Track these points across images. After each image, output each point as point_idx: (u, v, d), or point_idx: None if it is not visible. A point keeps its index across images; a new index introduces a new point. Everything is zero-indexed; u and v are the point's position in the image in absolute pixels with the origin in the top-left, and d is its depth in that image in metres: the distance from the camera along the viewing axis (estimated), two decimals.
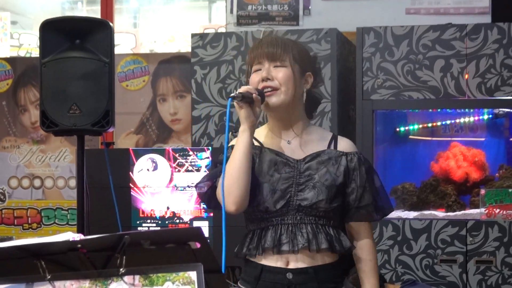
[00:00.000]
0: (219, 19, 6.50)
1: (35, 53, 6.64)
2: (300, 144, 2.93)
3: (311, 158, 2.89)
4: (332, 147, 2.93)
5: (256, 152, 2.89)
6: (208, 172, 2.93)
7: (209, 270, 2.11)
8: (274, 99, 2.84)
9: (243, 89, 2.79)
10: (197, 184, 2.97)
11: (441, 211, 4.84)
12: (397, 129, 5.17)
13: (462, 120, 5.11)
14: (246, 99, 2.77)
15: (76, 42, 4.09)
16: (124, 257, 2.07)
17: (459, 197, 4.91)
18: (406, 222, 4.70)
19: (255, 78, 2.89)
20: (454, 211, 4.80)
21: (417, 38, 4.78)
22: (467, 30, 4.72)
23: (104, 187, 4.45)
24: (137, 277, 2.07)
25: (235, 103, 2.78)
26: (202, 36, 5.04)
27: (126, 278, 2.07)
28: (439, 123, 5.14)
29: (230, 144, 2.94)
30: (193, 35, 5.08)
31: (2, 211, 6.31)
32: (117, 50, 4.16)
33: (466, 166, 4.94)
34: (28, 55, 6.73)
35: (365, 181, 2.90)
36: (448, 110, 4.97)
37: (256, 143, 2.93)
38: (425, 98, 4.76)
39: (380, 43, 4.80)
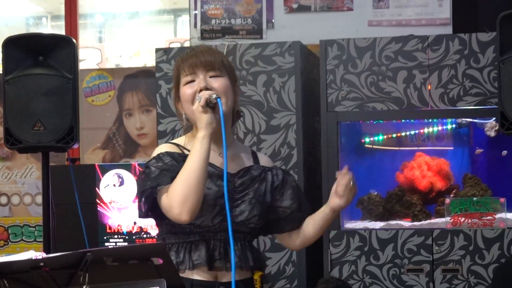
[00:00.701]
0: (184, 33, 6.51)
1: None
2: (231, 158, 2.85)
3: (243, 172, 2.86)
4: (256, 162, 2.94)
5: None
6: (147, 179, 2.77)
7: (172, 285, 2.12)
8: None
9: (208, 92, 2.73)
10: (143, 191, 2.76)
11: (407, 220, 4.87)
12: (362, 140, 5.20)
13: (426, 130, 5.15)
14: (210, 104, 2.71)
15: (39, 58, 4.08)
16: (87, 274, 2.07)
17: (425, 207, 4.94)
18: (372, 233, 4.73)
19: (188, 90, 2.80)
20: (420, 220, 4.84)
21: (379, 50, 4.82)
22: (429, 41, 4.77)
23: (70, 204, 4.44)
24: None
25: (200, 107, 2.71)
26: (167, 51, 5.05)
27: None
28: (403, 134, 5.18)
29: (174, 141, 2.90)
30: (157, 50, 5.09)
31: None
32: (82, 65, 4.17)
33: (431, 176, 4.98)
34: None
35: (297, 192, 2.96)
36: (412, 120, 5.01)
37: (186, 152, 2.82)
38: (389, 109, 4.79)
39: (344, 55, 4.84)
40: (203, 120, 2.71)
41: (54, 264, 2.07)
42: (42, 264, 2.06)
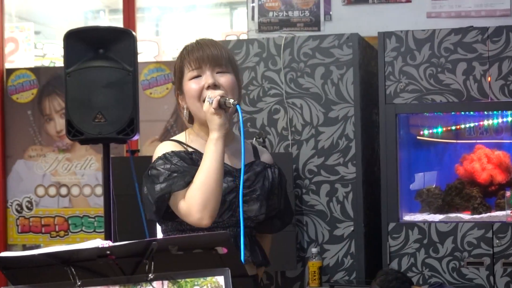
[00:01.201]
0: (240, 26, 6.52)
1: (59, 62, 6.70)
2: (233, 153, 2.78)
3: (247, 168, 2.75)
4: (257, 158, 2.87)
5: (197, 158, 2.70)
6: (159, 181, 2.66)
7: (236, 275, 2.13)
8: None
9: (218, 93, 2.63)
10: (154, 195, 2.66)
11: (466, 213, 4.83)
12: (421, 133, 5.16)
13: (486, 122, 5.10)
14: (223, 106, 2.63)
15: (100, 51, 4.12)
16: (153, 263, 2.09)
17: (485, 200, 4.89)
18: (432, 225, 4.70)
19: (194, 85, 2.71)
20: (480, 213, 4.79)
21: (438, 42, 4.77)
22: (488, 33, 4.72)
23: (129, 195, 4.48)
24: (165, 282, 2.09)
25: (212, 109, 2.62)
26: (224, 43, 5.06)
27: (154, 283, 2.09)
28: (462, 126, 5.13)
29: (176, 138, 2.80)
30: None
31: (29, 220, 6.36)
32: (140, 58, 4.19)
33: (491, 169, 4.93)
34: (52, 65, 6.78)
35: (282, 196, 2.89)
36: (471, 112, 4.96)
37: (190, 149, 2.74)
38: (448, 101, 4.75)
39: (402, 47, 4.81)
40: (216, 122, 2.62)
41: (120, 252, 2.09)
42: (108, 252, 2.08)
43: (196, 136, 2.77)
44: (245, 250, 2.66)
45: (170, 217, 2.71)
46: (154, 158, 2.73)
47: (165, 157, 2.67)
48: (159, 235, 2.85)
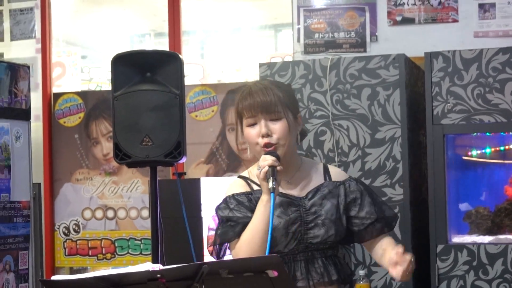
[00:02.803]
0: (285, 48, 6.53)
1: (105, 86, 6.76)
2: (299, 181, 2.98)
3: (313, 194, 2.96)
4: (327, 178, 3.01)
5: (258, 196, 2.89)
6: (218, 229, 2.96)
7: None
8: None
9: (267, 162, 2.79)
10: (217, 240, 2.94)
11: None
12: (469, 153, 5.11)
13: None
14: (269, 175, 2.79)
15: (147, 75, 4.15)
16: (203, 286, 2.10)
17: None
18: (481, 247, 4.64)
19: (252, 132, 2.89)
20: None
21: (486, 61, 4.73)
22: None
23: (176, 217, 4.49)
24: None
25: (261, 178, 2.80)
26: (270, 65, 5.08)
27: None
28: (511, 146, 5.07)
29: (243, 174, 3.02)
30: (261, 65, 5.12)
31: (77, 242, 6.41)
32: (185, 81, 4.21)
33: None
34: (98, 89, 6.85)
35: (371, 200, 3.00)
36: None
37: (256, 187, 2.95)
38: (496, 121, 4.70)
39: (449, 67, 4.78)
40: (265, 187, 2.81)
41: (170, 275, 2.10)
42: (159, 275, 2.09)
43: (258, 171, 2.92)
44: (315, 273, 2.88)
45: None
46: (223, 197, 3.00)
47: (225, 201, 2.94)
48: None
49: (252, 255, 2.75)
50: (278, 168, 2.79)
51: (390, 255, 2.83)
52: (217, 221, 2.97)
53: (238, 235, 2.87)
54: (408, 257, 2.82)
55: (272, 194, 2.78)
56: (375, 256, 3.06)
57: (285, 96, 2.94)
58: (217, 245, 2.92)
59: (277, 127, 2.88)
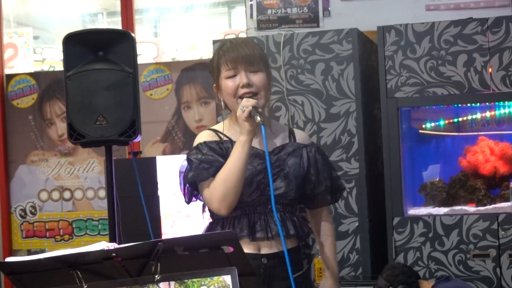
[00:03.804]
0: (239, 25, 6.51)
1: (58, 66, 6.69)
2: (267, 137, 3.00)
3: (278, 150, 3.06)
4: (292, 139, 3.14)
5: (229, 146, 3.01)
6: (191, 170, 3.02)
7: (243, 273, 2.13)
8: None
9: (251, 102, 2.89)
10: (186, 182, 3.03)
11: (471, 206, 4.82)
12: (423, 126, 5.15)
13: (488, 114, 5.08)
14: (253, 115, 2.88)
15: (100, 54, 4.10)
16: (159, 263, 2.09)
17: (489, 191, 4.88)
18: (436, 219, 4.69)
19: (230, 84, 2.99)
20: (485, 205, 4.78)
21: (438, 34, 4.76)
22: (488, 24, 4.71)
23: (133, 196, 4.47)
24: (172, 283, 2.09)
25: (243, 117, 2.88)
26: (224, 42, 5.05)
27: (161, 284, 2.09)
28: (465, 118, 5.12)
29: (202, 140, 3.05)
30: (214, 42, 5.10)
31: (33, 224, 6.36)
32: (139, 60, 4.18)
33: (494, 160, 4.91)
34: (51, 69, 6.78)
35: (324, 170, 3.12)
36: (473, 104, 4.95)
37: (225, 138, 3.06)
38: (450, 93, 4.74)
39: (402, 40, 4.80)
40: (246, 127, 2.90)
41: (126, 254, 2.09)
42: (114, 254, 2.09)
43: (233, 126, 3.07)
44: (274, 225, 2.96)
45: None
46: (193, 146, 3.07)
47: (197, 148, 3.01)
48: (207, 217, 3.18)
49: (227, 194, 2.90)
50: (260, 110, 2.90)
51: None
52: (185, 169, 3.02)
53: (213, 175, 2.94)
54: None
55: (262, 126, 2.86)
56: (312, 225, 3.23)
57: (264, 54, 3.08)
58: (188, 186, 3.00)
59: (257, 78, 2.99)
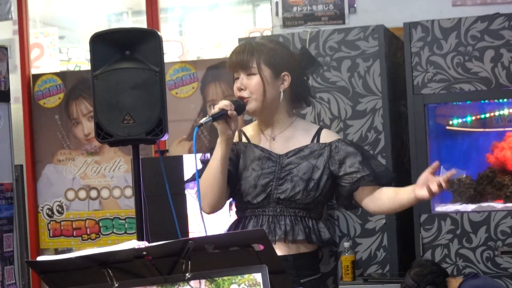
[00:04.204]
0: (264, 22, 6.50)
1: (84, 66, 6.72)
2: (284, 140, 3.09)
3: (293, 153, 3.06)
4: (315, 140, 3.09)
5: (241, 148, 3.09)
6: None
7: (273, 271, 2.13)
8: (247, 107, 3.02)
9: (219, 106, 2.94)
10: (187, 181, 3.19)
11: (499, 202, 4.79)
12: (450, 122, 5.13)
13: None
14: (220, 117, 2.92)
15: (126, 53, 4.12)
16: (189, 262, 2.09)
17: None
18: (464, 215, 4.67)
19: (234, 86, 3.08)
20: None
21: (465, 30, 4.74)
22: None
23: (160, 195, 4.48)
24: (203, 281, 2.09)
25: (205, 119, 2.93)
26: (249, 40, 5.06)
27: (192, 282, 2.09)
28: (492, 114, 5.09)
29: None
30: (240, 40, 5.11)
31: (61, 223, 6.40)
32: (165, 59, 4.19)
33: None
34: (77, 69, 6.80)
35: (362, 159, 3.03)
36: (500, 100, 4.92)
37: (244, 139, 3.13)
38: (477, 89, 4.72)
39: (428, 36, 4.78)
40: (218, 129, 2.97)
41: (156, 252, 2.10)
42: (145, 253, 2.09)
43: (255, 125, 3.16)
44: (279, 229, 2.98)
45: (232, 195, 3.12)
46: None
47: (212, 148, 3.09)
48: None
49: (206, 193, 3.00)
50: (229, 113, 2.90)
51: (421, 177, 2.90)
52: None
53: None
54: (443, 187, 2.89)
55: (196, 128, 2.93)
56: (375, 202, 3.04)
57: (265, 55, 3.04)
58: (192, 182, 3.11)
59: (250, 82, 3.02)
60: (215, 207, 3.06)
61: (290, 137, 3.09)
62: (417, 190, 2.91)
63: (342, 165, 3.03)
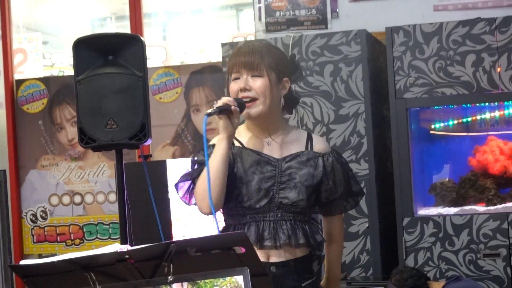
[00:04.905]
0: (247, 27, 6.52)
1: (68, 71, 6.71)
2: (279, 145, 3.06)
3: (291, 158, 3.04)
4: (309, 147, 3.09)
5: (237, 152, 3.02)
6: (186, 171, 3.09)
7: (255, 274, 2.14)
8: (253, 110, 2.98)
9: (222, 101, 2.90)
10: (177, 183, 3.09)
11: (481, 205, 4.82)
12: (432, 126, 5.15)
13: (497, 113, 5.08)
14: (224, 111, 2.88)
15: (109, 58, 4.10)
16: (172, 265, 2.10)
17: (499, 191, 4.88)
18: (447, 218, 4.69)
19: (234, 87, 3.01)
20: (495, 204, 4.78)
21: (446, 35, 4.77)
22: (496, 23, 4.71)
23: (143, 200, 4.47)
24: (185, 284, 2.10)
25: (209, 111, 2.88)
26: (232, 45, 5.08)
27: (174, 285, 2.10)
28: (474, 118, 5.12)
29: (211, 143, 3.06)
30: (223, 45, 5.12)
31: (44, 229, 6.38)
32: (148, 64, 4.19)
33: (503, 160, 4.92)
34: (60, 74, 6.80)
35: (341, 179, 3.09)
36: (482, 104, 4.95)
37: (237, 143, 3.06)
38: (458, 93, 4.75)
39: (410, 41, 4.81)
40: (220, 125, 2.92)
41: (139, 256, 2.10)
42: (127, 256, 2.10)
43: (246, 130, 3.10)
44: (282, 234, 2.96)
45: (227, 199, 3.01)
46: None
47: (200, 149, 3.04)
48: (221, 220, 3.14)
49: (205, 192, 2.86)
50: (232, 108, 2.87)
51: None
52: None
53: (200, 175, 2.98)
54: None
55: (205, 116, 2.86)
56: (323, 225, 3.23)
57: (272, 58, 3.03)
58: (188, 187, 3.03)
59: (257, 83, 2.98)
60: (216, 208, 2.95)
61: (284, 143, 3.07)
62: None
63: (327, 180, 3.07)
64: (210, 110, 2.86)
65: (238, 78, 3.01)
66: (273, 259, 2.98)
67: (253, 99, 2.97)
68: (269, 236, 2.96)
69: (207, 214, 2.95)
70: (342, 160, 3.16)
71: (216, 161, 2.92)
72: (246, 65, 2.98)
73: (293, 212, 3.00)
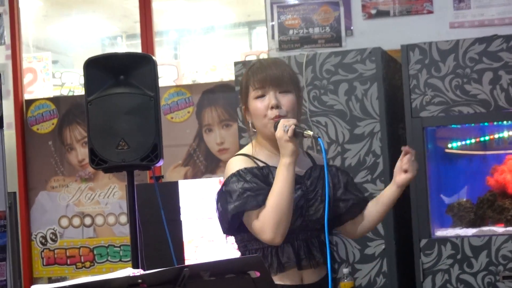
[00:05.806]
0: (260, 45, 6.50)
1: (78, 91, 6.69)
2: (299, 161, 2.97)
3: (309, 173, 3.01)
4: (312, 162, 3.10)
5: (268, 172, 2.92)
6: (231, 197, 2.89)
7: None
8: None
9: (292, 121, 2.82)
10: (229, 212, 2.87)
11: (500, 226, 4.73)
12: (449, 145, 5.08)
13: None
14: (300, 135, 2.82)
15: (121, 77, 4.07)
16: None
17: None
18: (465, 240, 4.61)
19: (259, 105, 2.92)
20: None
21: (463, 52, 4.70)
22: None
23: (155, 221, 4.42)
24: None
25: (286, 137, 2.80)
26: (245, 63, 5.02)
27: None
28: (491, 137, 5.05)
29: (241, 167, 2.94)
30: (236, 63, 5.06)
31: (54, 251, 6.32)
32: (160, 83, 4.15)
33: None
34: (70, 93, 6.77)
35: (351, 187, 3.10)
36: (500, 122, 4.87)
37: (260, 164, 2.96)
38: (476, 112, 4.67)
39: (426, 59, 4.74)
40: (290, 148, 2.80)
41: (152, 280, 2.07)
42: (140, 281, 2.06)
43: (262, 148, 3.01)
44: (316, 252, 2.92)
45: (245, 229, 2.90)
46: (227, 175, 2.93)
47: (238, 174, 2.88)
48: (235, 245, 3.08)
49: (281, 221, 2.76)
50: (305, 133, 2.80)
51: (398, 163, 2.98)
52: (224, 199, 2.88)
53: (262, 203, 2.82)
54: (417, 165, 3.00)
55: (319, 139, 2.77)
56: (366, 218, 3.11)
57: (293, 75, 3.00)
58: (230, 218, 2.85)
59: (286, 100, 2.91)
60: (285, 235, 2.84)
61: (301, 159, 3.03)
62: (397, 178, 2.99)
63: (339, 189, 3.06)
64: (311, 132, 2.78)
65: (263, 96, 2.91)
66: (307, 280, 2.92)
67: (283, 116, 2.90)
68: (305, 255, 2.89)
69: (278, 243, 2.84)
70: (344, 171, 3.19)
71: (287, 189, 2.81)
72: (273, 81, 2.90)
73: (317, 229, 2.95)
